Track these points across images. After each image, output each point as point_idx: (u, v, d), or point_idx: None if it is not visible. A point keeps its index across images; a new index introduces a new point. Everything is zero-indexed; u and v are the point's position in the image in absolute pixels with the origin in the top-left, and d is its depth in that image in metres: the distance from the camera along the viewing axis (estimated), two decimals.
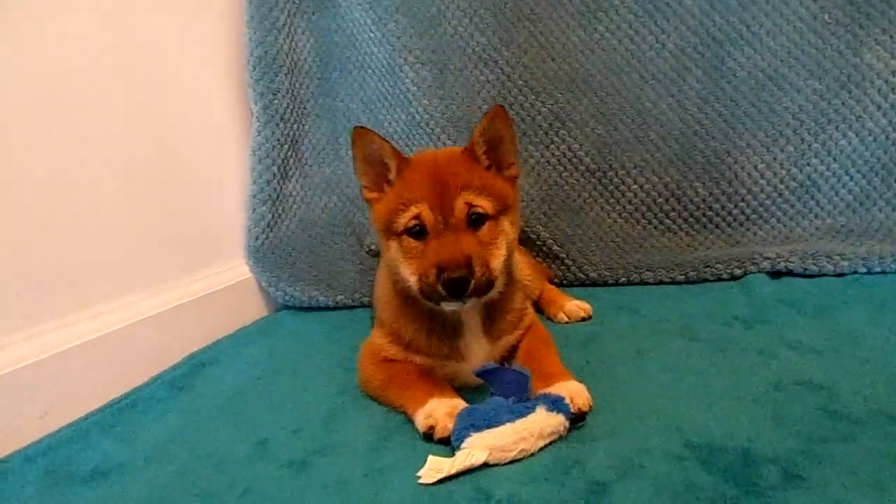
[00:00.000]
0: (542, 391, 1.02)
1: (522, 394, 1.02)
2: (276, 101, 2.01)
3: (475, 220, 1.08)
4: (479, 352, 1.18)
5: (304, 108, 2.13)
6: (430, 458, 0.93)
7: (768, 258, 1.78)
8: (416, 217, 1.08)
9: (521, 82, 2.02)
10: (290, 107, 2.06)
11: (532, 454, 0.93)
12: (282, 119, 2.03)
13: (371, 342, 1.28)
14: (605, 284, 1.93)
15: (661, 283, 1.87)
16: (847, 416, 0.95)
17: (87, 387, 1.33)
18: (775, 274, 1.76)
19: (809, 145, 1.88)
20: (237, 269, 1.95)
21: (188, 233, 1.76)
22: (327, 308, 1.95)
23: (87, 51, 1.45)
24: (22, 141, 1.29)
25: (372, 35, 2.05)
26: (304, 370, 1.44)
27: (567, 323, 1.59)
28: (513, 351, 1.25)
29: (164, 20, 1.72)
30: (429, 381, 1.14)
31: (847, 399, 1.01)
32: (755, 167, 1.93)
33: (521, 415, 0.96)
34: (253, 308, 1.96)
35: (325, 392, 1.28)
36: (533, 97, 2.02)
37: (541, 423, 0.95)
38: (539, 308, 1.66)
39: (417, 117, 2.04)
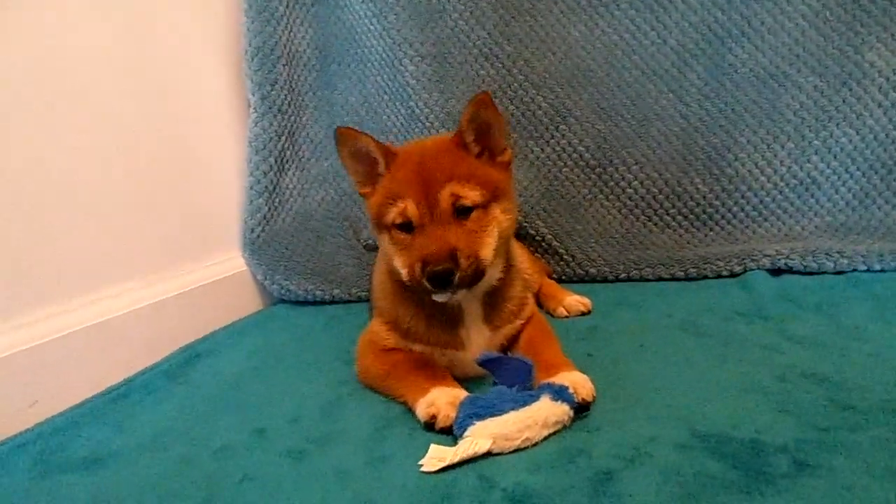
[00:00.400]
0: (545, 381, 1.00)
1: (525, 383, 1.00)
2: (273, 93, 1.99)
3: (462, 211, 1.07)
4: (479, 340, 1.17)
5: (302, 100, 2.11)
6: (433, 446, 0.91)
7: (768, 255, 1.77)
8: (402, 213, 1.07)
9: (521, 77, 2.01)
10: (288, 98, 2.04)
11: (536, 443, 0.91)
12: (279, 110, 2.01)
13: (370, 331, 1.26)
14: (605, 280, 1.92)
15: (661, 279, 1.86)
16: (854, 407, 0.94)
17: (79, 376, 1.30)
18: (775, 271, 1.75)
19: (810, 142, 1.88)
20: (233, 261, 1.93)
21: (184, 223, 1.74)
22: (323, 302, 1.93)
23: (82, 41, 1.44)
24: (17, 130, 1.27)
25: (371, 28, 2.03)
26: (302, 362, 1.42)
27: (566, 317, 1.58)
28: (514, 341, 1.23)
29: (162, 10, 1.70)
30: (429, 370, 1.12)
31: (854, 390, 1.00)
32: (756, 164, 1.93)
33: (525, 403, 0.94)
34: (249, 301, 1.94)
35: (324, 383, 1.26)
36: (533, 92, 2.01)
37: (545, 412, 0.93)
38: (538, 303, 1.64)
39: (417, 111, 2.02)
